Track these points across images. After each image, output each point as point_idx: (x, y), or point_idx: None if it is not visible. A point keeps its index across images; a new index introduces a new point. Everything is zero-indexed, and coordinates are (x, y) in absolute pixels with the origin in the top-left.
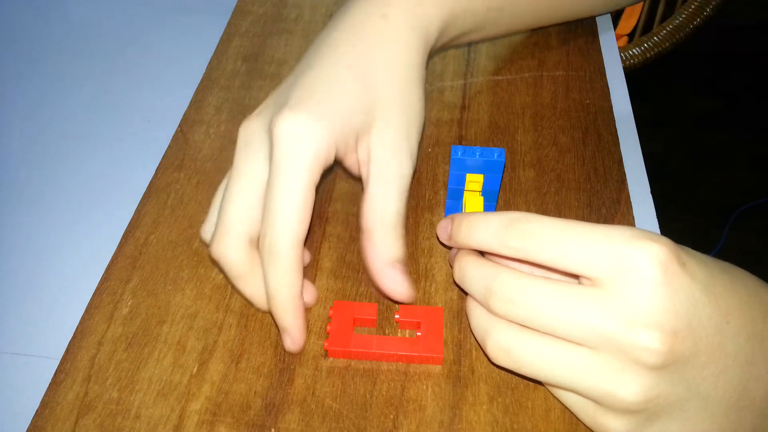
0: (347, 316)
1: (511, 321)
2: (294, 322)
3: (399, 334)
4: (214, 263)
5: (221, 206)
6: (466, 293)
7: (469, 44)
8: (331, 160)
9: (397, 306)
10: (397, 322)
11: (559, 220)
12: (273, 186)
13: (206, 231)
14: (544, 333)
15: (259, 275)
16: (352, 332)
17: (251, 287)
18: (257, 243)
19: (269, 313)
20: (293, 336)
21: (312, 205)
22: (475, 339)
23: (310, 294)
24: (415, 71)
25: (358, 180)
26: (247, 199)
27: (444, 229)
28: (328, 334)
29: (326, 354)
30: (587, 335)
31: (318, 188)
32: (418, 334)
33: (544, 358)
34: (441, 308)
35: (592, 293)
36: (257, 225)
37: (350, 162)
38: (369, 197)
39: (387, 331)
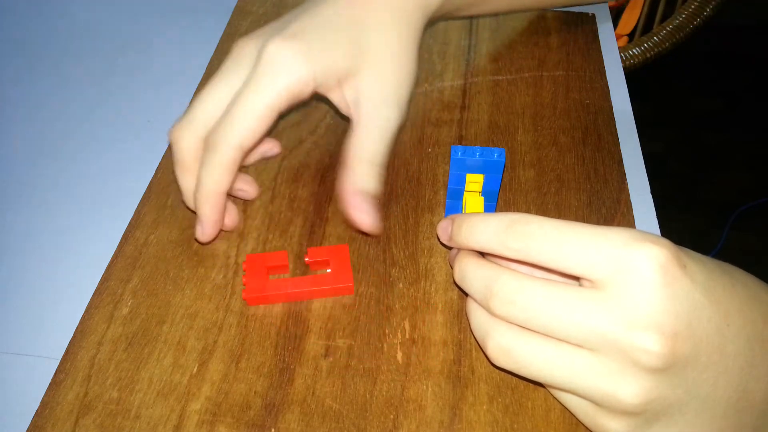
0: (260, 266)
1: (511, 322)
2: (210, 215)
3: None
4: (170, 146)
5: (196, 99)
6: (466, 294)
7: (471, 19)
8: (304, 94)
9: (305, 249)
10: (308, 264)
11: (559, 221)
12: (240, 94)
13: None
14: (544, 334)
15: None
16: (267, 279)
17: (187, 180)
18: None
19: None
20: (205, 227)
21: (267, 128)
22: (475, 340)
23: (232, 216)
24: (411, 35)
25: (346, 119)
26: (219, 102)
27: (444, 229)
28: (244, 285)
29: (246, 303)
30: (587, 337)
31: (283, 116)
32: (328, 271)
33: (544, 360)
34: (346, 245)
35: (592, 295)
36: None
37: (336, 99)
38: (354, 138)
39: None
